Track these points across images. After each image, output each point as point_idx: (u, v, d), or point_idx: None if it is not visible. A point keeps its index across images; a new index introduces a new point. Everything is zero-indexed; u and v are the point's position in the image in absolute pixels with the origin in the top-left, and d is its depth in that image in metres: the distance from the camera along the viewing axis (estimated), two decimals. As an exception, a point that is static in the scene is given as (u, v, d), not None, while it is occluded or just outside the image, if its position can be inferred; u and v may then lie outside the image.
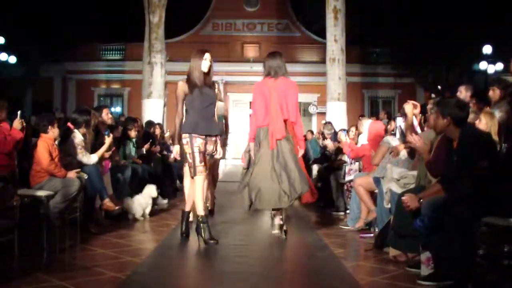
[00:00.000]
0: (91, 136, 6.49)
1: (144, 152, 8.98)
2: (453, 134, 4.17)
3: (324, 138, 9.90)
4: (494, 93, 5.79)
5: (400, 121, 6.22)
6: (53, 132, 5.71)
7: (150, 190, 7.30)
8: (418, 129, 5.68)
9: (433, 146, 4.50)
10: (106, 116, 7.27)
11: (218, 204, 7.82)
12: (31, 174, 5.57)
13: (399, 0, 20.05)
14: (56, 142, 5.88)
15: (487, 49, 17.62)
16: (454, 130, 4.13)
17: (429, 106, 5.71)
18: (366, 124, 7.18)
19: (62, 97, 25.73)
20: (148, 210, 7.26)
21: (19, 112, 5.69)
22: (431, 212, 3.92)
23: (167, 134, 12.46)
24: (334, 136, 9.48)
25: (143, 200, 7.20)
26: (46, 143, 5.57)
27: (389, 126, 7.18)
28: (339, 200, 7.88)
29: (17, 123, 5.60)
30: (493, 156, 4.09)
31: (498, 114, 5.04)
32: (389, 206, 5.18)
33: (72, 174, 5.66)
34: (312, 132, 13.82)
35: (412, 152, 5.45)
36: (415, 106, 5.72)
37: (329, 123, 10.69)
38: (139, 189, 7.41)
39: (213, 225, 6.55)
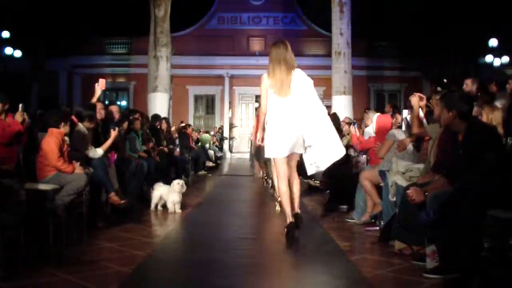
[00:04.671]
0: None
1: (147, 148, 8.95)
2: (459, 128, 4.16)
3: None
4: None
5: (406, 114, 6.18)
6: (65, 128, 5.68)
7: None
8: (425, 121, 5.66)
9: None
10: (99, 111, 7.08)
11: (226, 198, 7.80)
12: (38, 167, 5.50)
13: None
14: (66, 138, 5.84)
15: (493, 42, 17.53)
16: (460, 124, 4.12)
17: (432, 99, 5.67)
18: (374, 117, 7.15)
19: (67, 92, 25.75)
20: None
21: (20, 105, 5.67)
22: (436, 205, 3.91)
23: (173, 128, 12.46)
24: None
25: (175, 194, 7.19)
26: (57, 138, 5.50)
27: (394, 119, 7.15)
28: (345, 193, 7.84)
29: (18, 116, 5.58)
30: (499, 149, 4.08)
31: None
32: (394, 199, 5.17)
33: (79, 170, 5.60)
34: None
35: (418, 145, 5.43)
36: (421, 98, 5.68)
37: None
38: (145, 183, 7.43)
39: (217, 218, 6.58)
